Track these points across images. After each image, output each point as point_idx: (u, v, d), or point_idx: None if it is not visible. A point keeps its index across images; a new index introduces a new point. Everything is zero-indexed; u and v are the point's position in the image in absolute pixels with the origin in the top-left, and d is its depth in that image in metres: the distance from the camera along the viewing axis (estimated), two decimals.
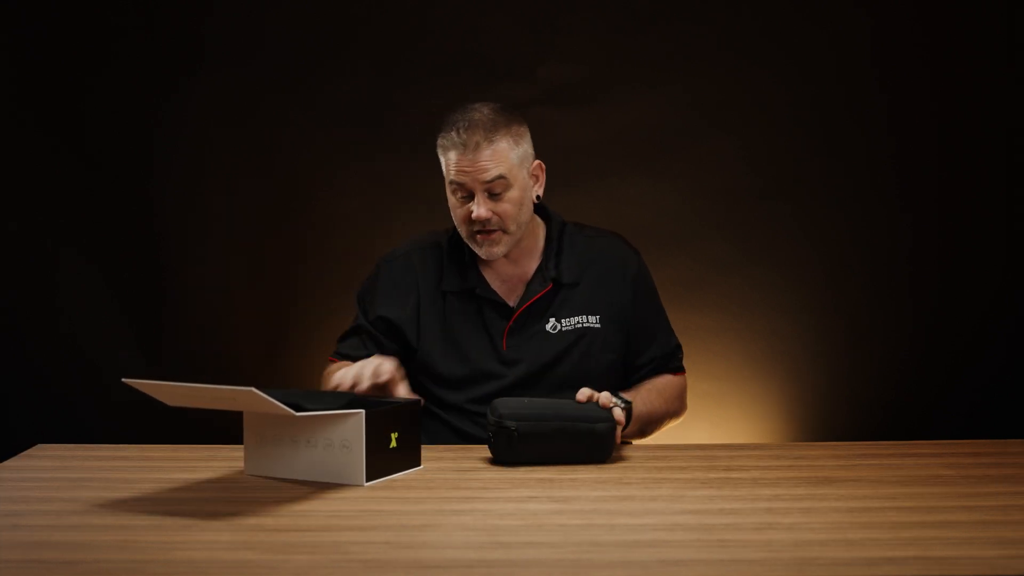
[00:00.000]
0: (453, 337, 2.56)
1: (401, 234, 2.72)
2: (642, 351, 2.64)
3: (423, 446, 2.46)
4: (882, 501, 2.01)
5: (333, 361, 2.63)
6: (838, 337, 3.68)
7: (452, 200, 2.52)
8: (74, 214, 3.65)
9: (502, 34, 3.64)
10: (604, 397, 2.28)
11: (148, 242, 3.68)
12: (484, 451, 2.40)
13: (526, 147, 2.52)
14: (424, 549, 1.76)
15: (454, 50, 3.63)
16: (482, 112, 2.49)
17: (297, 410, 2.04)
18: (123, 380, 2.12)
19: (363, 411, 2.09)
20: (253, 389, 1.94)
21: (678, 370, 2.70)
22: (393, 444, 2.16)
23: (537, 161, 2.56)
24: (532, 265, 2.60)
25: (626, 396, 2.40)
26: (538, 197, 2.57)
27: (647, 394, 2.56)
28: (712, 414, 3.62)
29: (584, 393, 2.29)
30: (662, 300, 2.74)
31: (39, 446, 2.48)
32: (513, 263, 2.59)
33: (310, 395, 2.24)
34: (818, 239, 3.67)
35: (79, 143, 3.64)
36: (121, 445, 2.49)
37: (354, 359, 2.52)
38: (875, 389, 3.67)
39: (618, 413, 2.28)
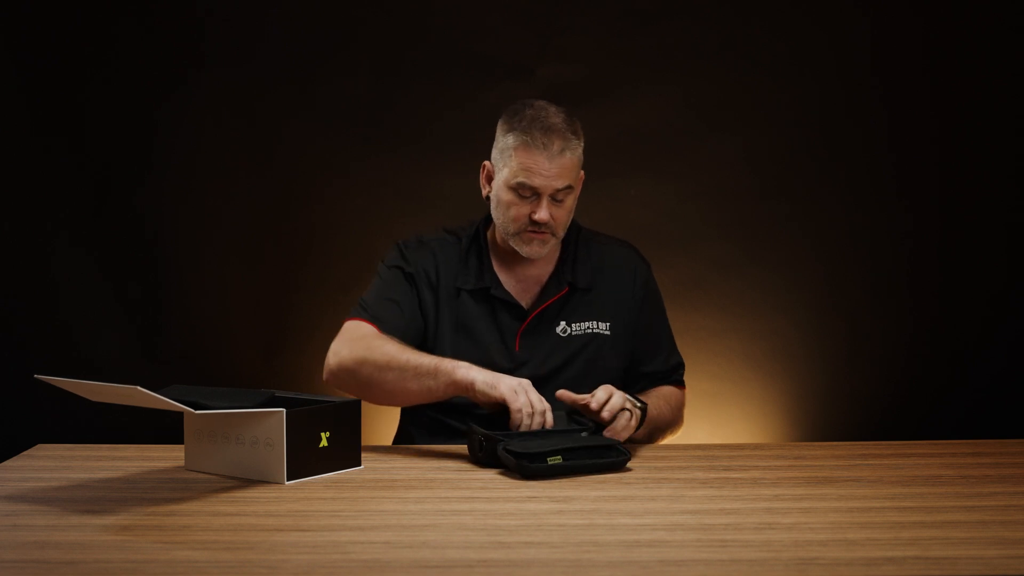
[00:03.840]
0: (466, 336, 2.56)
1: (400, 235, 2.71)
2: (645, 361, 2.65)
3: (429, 446, 2.47)
4: (882, 501, 2.01)
5: (365, 323, 2.52)
6: (838, 337, 3.68)
7: (509, 196, 2.50)
8: (74, 214, 3.65)
9: (502, 34, 3.63)
10: (615, 400, 2.30)
11: (148, 242, 3.68)
12: None
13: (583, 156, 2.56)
14: (424, 549, 1.76)
15: (454, 50, 3.63)
16: (557, 116, 2.51)
17: (197, 408, 2.07)
18: (35, 376, 2.15)
19: (284, 410, 2.11)
20: (138, 387, 1.97)
21: (679, 383, 2.72)
22: (323, 443, 2.18)
23: (582, 171, 2.58)
24: (548, 268, 2.60)
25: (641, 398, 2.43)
26: None
27: (657, 400, 2.57)
28: (712, 414, 3.62)
29: (584, 398, 2.31)
30: (664, 300, 2.74)
31: (39, 446, 2.48)
32: (531, 265, 2.59)
33: (230, 394, 2.24)
34: (818, 239, 3.67)
35: (79, 142, 3.63)
36: (121, 445, 2.49)
37: (391, 324, 2.51)
38: (875, 389, 3.67)
39: (619, 427, 2.31)
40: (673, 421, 2.63)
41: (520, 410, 2.28)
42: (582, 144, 2.55)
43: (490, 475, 2.21)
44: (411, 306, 2.57)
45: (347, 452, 2.22)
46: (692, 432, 3.52)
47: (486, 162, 2.58)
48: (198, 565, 1.68)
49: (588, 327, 2.59)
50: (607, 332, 2.60)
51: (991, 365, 3.63)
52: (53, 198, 3.65)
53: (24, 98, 3.63)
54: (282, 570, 1.66)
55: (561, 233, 2.54)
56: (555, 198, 2.49)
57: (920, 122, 3.63)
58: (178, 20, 3.63)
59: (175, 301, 3.70)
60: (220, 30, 3.64)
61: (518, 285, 2.59)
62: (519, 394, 2.29)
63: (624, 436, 2.32)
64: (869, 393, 3.67)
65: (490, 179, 2.56)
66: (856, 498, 2.04)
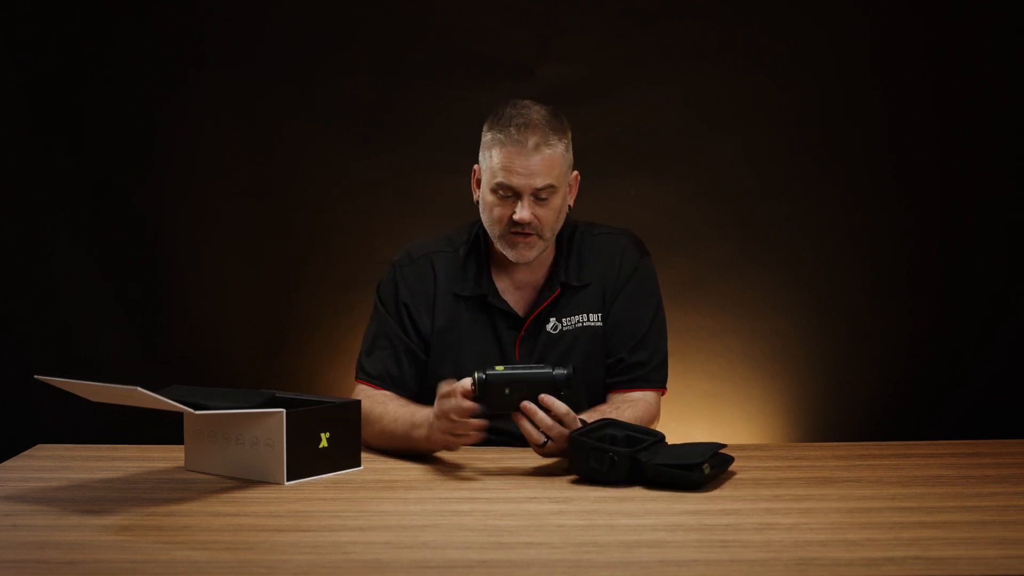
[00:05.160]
0: (463, 346, 2.51)
1: (401, 235, 2.72)
2: (619, 352, 2.53)
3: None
4: (882, 501, 2.01)
5: (370, 386, 2.50)
6: (838, 337, 3.68)
7: (491, 198, 2.44)
8: (74, 214, 3.64)
9: (502, 34, 3.63)
10: (543, 419, 2.19)
11: (148, 242, 3.68)
12: (482, 452, 2.41)
13: (571, 155, 2.49)
14: (424, 549, 1.76)
15: (454, 50, 3.63)
16: (538, 112, 2.43)
17: (197, 409, 2.08)
18: (35, 376, 2.15)
19: (283, 410, 2.11)
20: (138, 388, 1.98)
21: (656, 385, 2.55)
22: (323, 444, 2.18)
23: (575, 172, 2.53)
24: (543, 272, 2.54)
25: (594, 419, 2.29)
26: (569, 207, 2.53)
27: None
28: (712, 414, 3.62)
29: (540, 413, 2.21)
30: (664, 300, 2.70)
31: (39, 446, 2.49)
32: (528, 270, 2.53)
33: (230, 394, 2.24)
34: (818, 239, 3.67)
35: (79, 142, 3.63)
36: (121, 445, 2.50)
37: (394, 378, 2.50)
38: (875, 389, 3.67)
39: (527, 428, 2.21)
40: None
41: (459, 436, 2.22)
42: (566, 141, 2.46)
43: (490, 475, 2.21)
44: (406, 345, 2.51)
45: (347, 452, 2.23)
46: (692, 432, 3.51)
47: (476, 165, 2.52)
48: (198, 565, 1.69)
49: (578, 320, 2.52)
50: (599, 323, 2.53)
51: (991, 365, 3.63)
52: (53, 198, 3.64)
53: (24, 98, 3.62)
54: (282, 570, 1.66)
55: (548, 235, 2.46)
56: (538, 197, 2.41)
57: (920, 122, 3.63)
58: (178, 20, 3.63)
59: (175, 301, 3.69)
60: (220, 30, 3.64)
61: (517, 291, 2.54)
62: (446, 439, 2.23)
63: (530, 441, 2.23)
64: (869, 393, 3.67)
65: (480, 183, 2.50)
66: (856, 498, 2.04)
